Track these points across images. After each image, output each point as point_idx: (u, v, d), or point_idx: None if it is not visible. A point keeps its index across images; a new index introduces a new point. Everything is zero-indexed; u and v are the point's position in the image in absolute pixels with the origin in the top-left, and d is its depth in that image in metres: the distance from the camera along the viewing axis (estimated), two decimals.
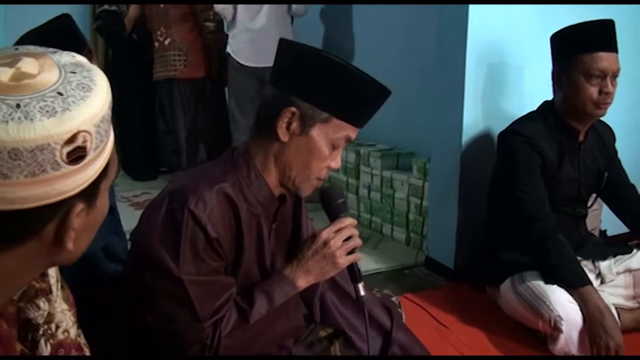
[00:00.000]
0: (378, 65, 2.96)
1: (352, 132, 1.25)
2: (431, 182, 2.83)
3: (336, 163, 1.27)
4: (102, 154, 0.69)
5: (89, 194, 0.69)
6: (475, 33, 2.47)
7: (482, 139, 2.55)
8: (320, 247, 1.27)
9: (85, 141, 0.64)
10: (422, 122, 3.13)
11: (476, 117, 2.55)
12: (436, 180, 2.76)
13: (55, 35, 1.44)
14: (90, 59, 1.51)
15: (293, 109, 1.20)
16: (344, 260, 1.28)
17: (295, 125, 1.21)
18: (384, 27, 3.68)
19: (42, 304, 0.83)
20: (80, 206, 0.68)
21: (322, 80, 1.20)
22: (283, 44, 1.27)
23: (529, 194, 2.10)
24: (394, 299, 1.69)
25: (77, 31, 1.56)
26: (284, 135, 1.22)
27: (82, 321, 0.93)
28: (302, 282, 1.28)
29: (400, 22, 3.56)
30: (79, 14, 4.34)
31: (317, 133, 1.22)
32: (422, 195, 3.03)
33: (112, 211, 1.56)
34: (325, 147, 1.23)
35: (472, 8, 2.44)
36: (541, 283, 2.02)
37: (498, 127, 2.32)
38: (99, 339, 1.24)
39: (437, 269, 2.72)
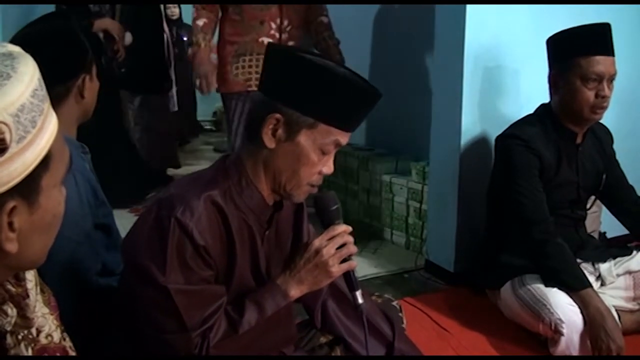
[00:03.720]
0: (376, 70, 2.99)
1: (341, 137, 1.20)
2: (430, 185, 2.84)
3: (328, 168, 1.23)
4: (31, 147, 0.64)
5: (24, 190, 0.65)
6: (473, 37, 2.47)
7: (481, 142, 2.56)
8: (312, 255, 1.24)
9: (2, 133, 0.60)
10: (420, 126, 3.13)
11: (474, 120, 2.55)
12: (435, 184, 2.76)
13: (57, 39, 1.42)
14: (90, 66, 1.50)
15: (278, 115, 1.16)
16: (337, 269, 1.24)
17: (280, 131, 1.18)
18: (382, 31, 3.69)
19: (10, 310, 0.79)
20: (12, 204, 0.64)
21: (305, 84, 1.16)
22: (270, 48, 1.24)
23: (527, 197, 2.10)
24: (394, 303, 1.69)
25: (79, 37, 1.50)
26: (270, 142, 1.19)
27: (77, 334, 0.91)
28: (295, 292, 1.25)
29: (397, 26, 3.57)
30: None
31: (304, 139, 1.18)
32: (422, 199, 3.03)
33: (110, 230, 1.55)
34: (313, 153, 1.19)
35: (469, 11, 2.45)
36: (541, 286, 2.02)
37: (496, 131, 2.32)
38: (94, 349, 1.25)
39: (437, 272, 2.72)
